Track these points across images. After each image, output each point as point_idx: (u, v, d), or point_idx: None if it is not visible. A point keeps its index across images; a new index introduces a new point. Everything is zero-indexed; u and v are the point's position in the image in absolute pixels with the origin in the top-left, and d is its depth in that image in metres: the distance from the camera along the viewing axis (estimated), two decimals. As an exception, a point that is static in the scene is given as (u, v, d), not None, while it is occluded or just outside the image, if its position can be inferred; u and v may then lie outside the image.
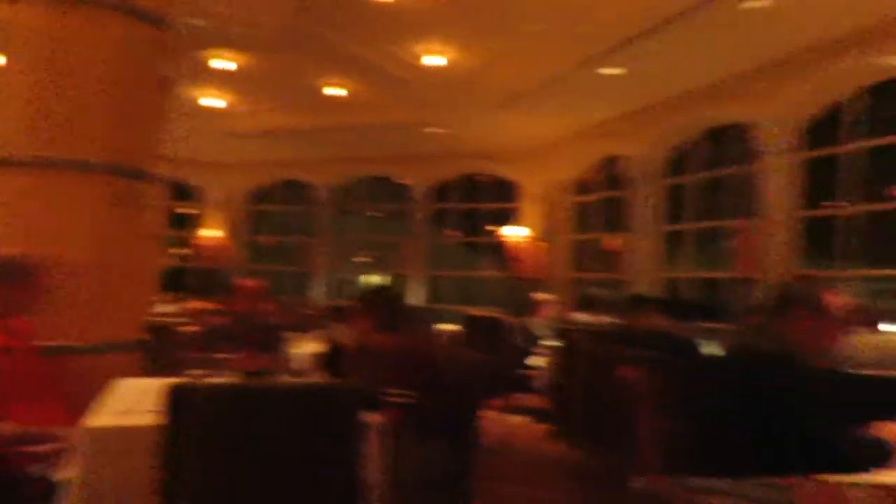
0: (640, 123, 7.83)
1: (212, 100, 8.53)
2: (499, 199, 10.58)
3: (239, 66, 7.34)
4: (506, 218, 10.21)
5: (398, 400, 2.40)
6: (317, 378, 3.26)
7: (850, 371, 2.69)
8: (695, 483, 0.97)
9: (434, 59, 6.82)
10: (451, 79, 7.23)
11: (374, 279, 11.77)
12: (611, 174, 8.87)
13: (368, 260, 12.16)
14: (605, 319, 5.13)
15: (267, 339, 3.84)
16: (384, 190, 11.63)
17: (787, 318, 2.05)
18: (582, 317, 5.66)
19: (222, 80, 7.80)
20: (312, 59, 7.13)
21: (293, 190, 11.89)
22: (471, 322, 6.65)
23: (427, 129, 9.11)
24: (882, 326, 4.02)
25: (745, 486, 0.96)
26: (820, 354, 2.14)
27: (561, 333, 4.94)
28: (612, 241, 8.41)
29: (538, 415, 5.05)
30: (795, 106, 6.11)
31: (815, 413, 1.89)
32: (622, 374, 2.39)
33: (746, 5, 5.01)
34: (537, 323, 6.01)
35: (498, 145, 9.53)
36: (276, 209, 12.19)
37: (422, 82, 7.43)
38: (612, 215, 8.71)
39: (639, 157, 8.07)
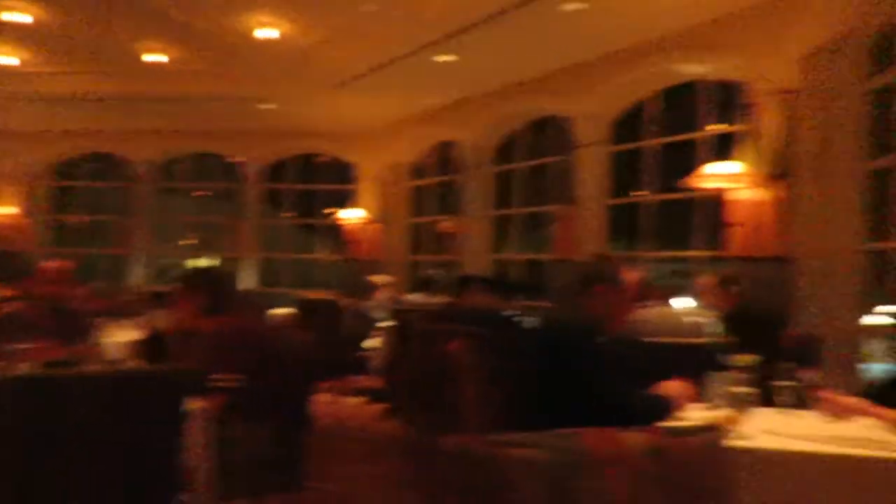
0: (471, 111, 8.17)
1: (2, 57, 7.46)
2: (336, 180, 10.47)
3: (36, 20, 6.49)
4: (343, 200, 10.15)
5: (225, 384, 2.33)
6: (131, 365, 3.04)
7: (643, 338, 3.09)
8: (498, 438, 1.07)
9: (266, 32, 6.55)
10: (285, 54, 7.00)
11: (202, 262, 11.10)
12: (445, 159, 9.17)
13: (195, 242, 11.43)
14: (437, 299, 5.33)
15: (72, 327, 3.50)
16: (213, 168, 10.98)
17: (589, 293, 2.29)
18: (415, 297, 5.84)
19: (15, 34, 6.85)
20: (128, 20, 6.51)
21: (106, 164, 10.80)
22: (305, 305, 6.56)
23: (261, 105, 8.74)
24: (673, 301, 4.63)
25: (541, 437, 1.09)
26: (616, 324, 2.42)
27: (395, 314, 5.06)
28: (447, 224, 8.72)
29: (373, 395, 5.15)
30: (605, 103, 6.76)
31: (609, 375, 2.16)
32: (447, 348, 2.53)
33: (566, 7, 5.43)
34: (373, 305, 6.09)
35: (335, 126, 9.42)
36: (87, 185, 11.01)
37: (254, 55, 7.11)
38: (447, 199, 9.03)
39: (470, 144, 8.43)
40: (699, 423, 1.68)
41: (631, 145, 6.86)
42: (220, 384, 2.33)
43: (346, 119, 9.06)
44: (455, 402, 2.38)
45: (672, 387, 2.30)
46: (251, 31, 6.51)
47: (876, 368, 4.38)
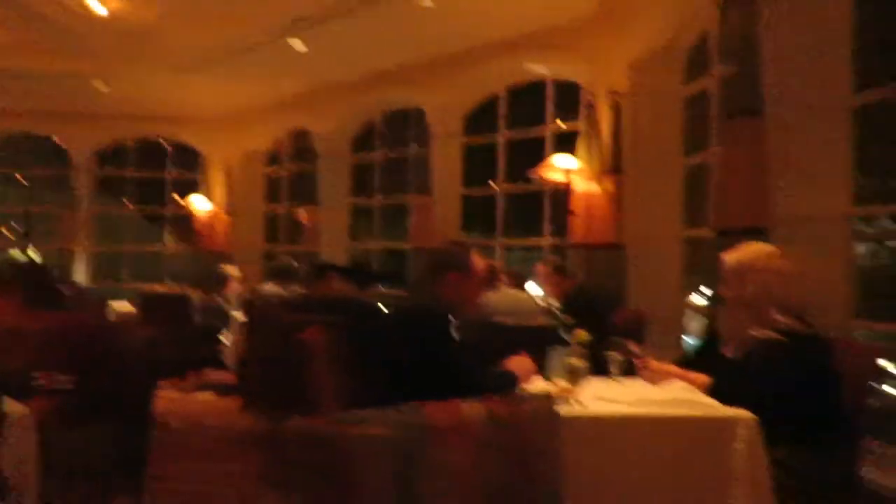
0: (327, 100, 8.07)
1: None
2: (183, 167, 9.85)
3: None
4: (190, 188, 9.57)
5: (52, 385, 2.15)
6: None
7: (492, 320, 3.27)
8: (341, 417, 1.11)
9: (96, 6, 6.00)
10: (123, 32, 6.46)
11: (18, 255, 9.94)
12: (301, 147, 8.97)
13: (20, 232, 10.20)
14: (293, 290, 5.24)
15: None
16: (43, 151, 9.86)
17: (441, 280, 2.39)
18: (270, 288, 5.68)
19: None
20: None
21: None
22: (149, 299, 6.15)
23: (96, 85, 7.99)
24: (527, 286, 4.91)
25: (384, 413, 1.14)
26: (467, 308, 2.55)
27: (248, 306, 4.90)
28: (303, 214, 8.55)
29: (226, 390, 4.97)
30: (459, 97, 6.99)
31: (460, 355, 2.27)
32: (301, 337, 2.52)
33: (419, 3, 5.52)
34: (226, 297, 5.84)
35: (181, 110, 8.86)
36: None
37: (88, 31, 6.48)
38: (303, 188, 8.84)
39: (326, 133, 8.32)
40: (535, 392, 1.83)
41: (483, 138, 7.15)
42: (49, 385, 2.14)
43: (192, 103, 8.55)
44: (309, 390, 2.38)
45: (517, 363, 2.47)
46: (81, 4, 5.93)
47: (692, 341, 4.95)
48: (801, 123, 3.38)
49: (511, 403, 1.24)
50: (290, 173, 9.22)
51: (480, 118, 7.20)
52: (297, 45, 6.46)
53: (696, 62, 4.85)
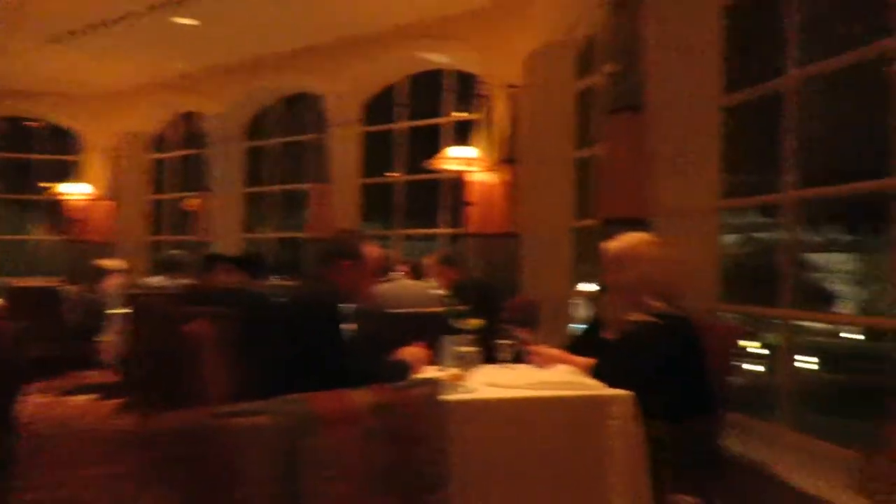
0: (219, 82, 7.71)
1: None
2: (55, 150, 9.09)
3: None
4: (64, 173, 8.85)
5: None
6: None
7: (386, 309, 3.28)
8: (222, 410, 1.08)
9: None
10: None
11: None
12: (190, 131, 8.53)
13: None
14: (181, 282, 4.99)
15: None
16: None
17: (333, 268, 2.36)
18: (156, 281, 5.38)
19: None
20: None
21: None
22: (15, 294, 5.63)
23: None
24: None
25: (268, 403, 1.12)
26: (360, 297, 2.54)
27: (131, 300, 4.62)
28: (193, 202, 8.14)
29: (106, 390, 4.66)
30: (357, 84, 6.90)
31: (352, 344, 2.26)
32: (187, 330, 2.41)
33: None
34: (105, 292, 5.47)
35: (51, 87, 8.15)
36: None
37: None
38: (192, 175, 8.42)
39: (218, 116, 7.96)
40: (421, 379, 1.86)
41: (382, 127, 7.11)
42: None
43: (66, 80, 7.89)
44: (196, 384, 2.29)
45: (410, 351, 2.49)
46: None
47: (579, 327, 5.20)
48: (678, 121, 3.62)
49: (397, 391, 1.25)
50: (178, 158, 8.74)
51: (379, 106, 7.16)
52: (183, 20, 6.12)
53: (588, 58, 5.05)
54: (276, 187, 8.04)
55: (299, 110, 7.75)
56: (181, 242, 8.39)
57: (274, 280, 5.83)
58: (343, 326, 2.22)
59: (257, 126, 8.18)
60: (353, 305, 2.47)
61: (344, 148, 6.95)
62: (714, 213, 3.64)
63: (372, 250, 2.52)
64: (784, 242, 3.17)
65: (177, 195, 8.69)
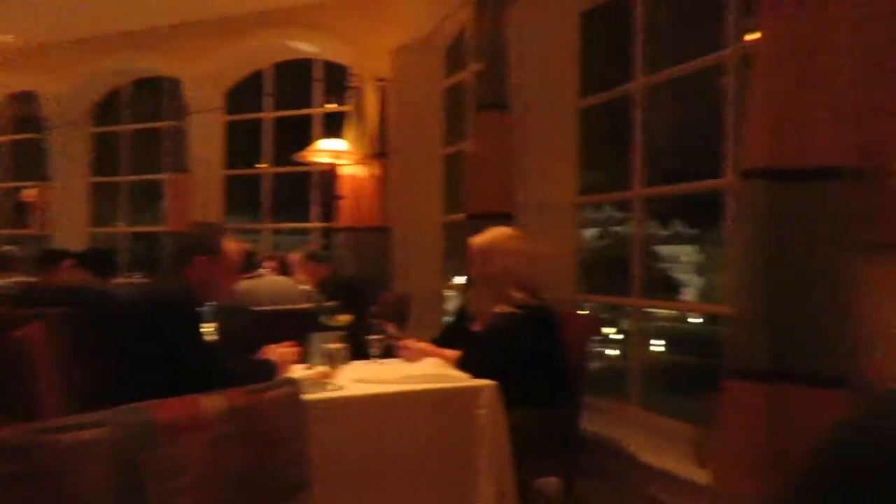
0: (60, 60, 6.97)
1: None
2: None
3: None
4: None
5: None
6: None
7: (250, 307, 3.14)
8: (51, 423, 0.97)
9: None
10: None
11: None
12: (25, 114, 7.65)
13: None
14: (14, 280, 4.47)
15: None
16: None
17: (189, 264, 2.22)
18: (-15, 280, 4.77)
19: None
20: None
21: None
22: None
23: None
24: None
25: (105, 414, 1.02)
26: (220, 294, 2.40)
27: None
28: (30, 193, 7.32)
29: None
30: (220, 69, 6.54)
31: (209, 344, 2.14)
32: (17, 335, 2.16)
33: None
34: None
35: None
36: None
37: None
38: (29, 162, 7.56)
39: (59, 98, 7.21)
40: (280, 379, 1.80)
41: (248, 115, 6.81)
42: None
43: None
44: (27, 397, 2.06)
45: (277, 350, 2.40)
46: None
47: (449, 320, 5.30)
48: (540, 120, 3.79)
49: (252, 392, 1.19)
50: (10, 143, 7.83)
51: (246, 94, 6.83)
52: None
53: (457, 55, 5.14)
54: (129, 177, 7.44)
55: (155, 94, 7.20)
56: (17, 237, 7.53)
57: (125, 278, 5.40)
58: (203, 326, 2.09)
59: (107, 109, 7.51)
60: (213, 303, 2.34)
61: (205, 136, 6.56)
62: (572, 208, 3.84)
63: (232, 245, 2.39)
64: (634, 236, 3.42)
65: (11, 185, 7.79)
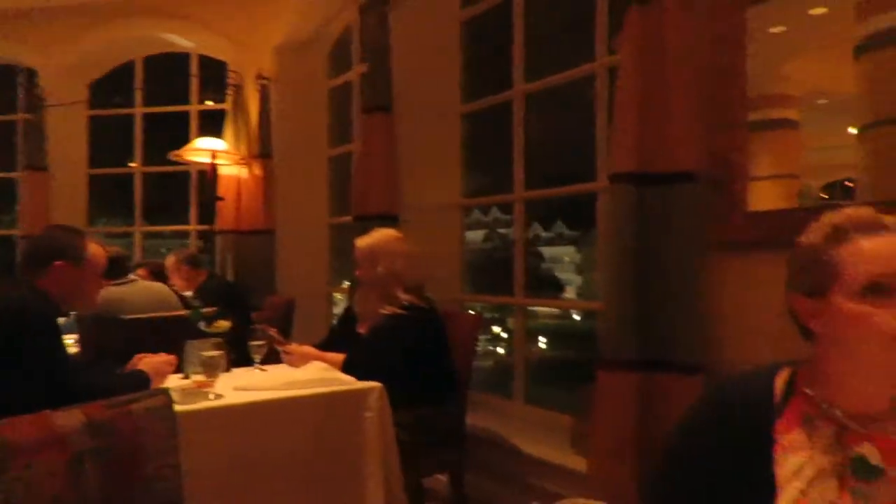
0: None
1: None
2: None
3: None
4: None
5: None
6: None
7: (120, 315, 2.93)
8: None
9: None
10: None
11: None
12: None
13: None
14: None
15: None
16: None
17: (45, 270, 2.04)
18: None
19: None
20: None
21: None
22: None
23: None
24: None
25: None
26: (82, 302, 2.23)
27: None
28: None
29: None
30: (83, 60, 6.05)
31: (64, 356, 1.98)
32: None
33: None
34: None
35: None
36: None
37: None
38: None
39: None
40: (149, 391, 1.71)
41: (117, 111, 6.36)
42: None
43: None
44: None
45: (149, 361, 2.27)
46: None
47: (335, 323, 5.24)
48: (424, 123, 3.84)
49: (115, 406, 1.12)
50: None
51: (113, 88, 6.37)
52: None
53: (343, 56, 5.08)
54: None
55: (8, 84, 6.54)
56: None
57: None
58: (54, 337, 1.92)
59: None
60: (74, 312, 2.17)
61: (66, 132, 6.05)
62: (458, 210, 3.92)
63: (95, 249, 2.23)
64: (516, 237, 3.55)
65: None
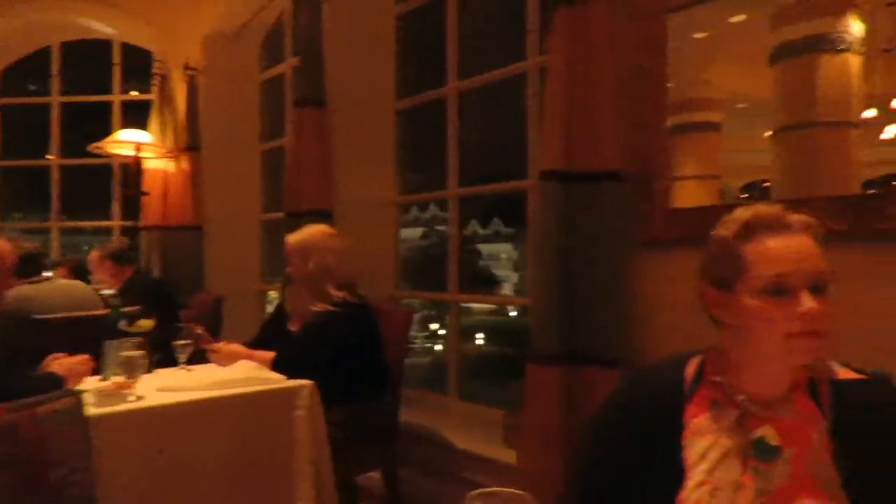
0: None
1: None
2: None
3: None
4: None
5: None
6: None
7: (31, 315, 2.78)
8: None
9: None
10: None
11: None
12: None
13: None
14: None
15: None
16: None
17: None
18: None
19: None
20: None
21: None
22: None
23: None
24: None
25: None
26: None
27: None
28: None
29: None
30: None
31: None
32: None
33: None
34: None
35: None
36: None
37: None
38: None
39: None
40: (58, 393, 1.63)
41: (32, 100, 6.00)
42: None
43: None
44: None
45: (63, 362, 2.16)
46: None
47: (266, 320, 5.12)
48: (358, 118, 3.80)
49: (17, 409, 1.06)
50: None
51: (26, 75, 6.01)
52: None
53: (275, 48, 4.97)
54: None
55: None
56: None
57: None
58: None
59: None
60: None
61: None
62: (392, 206, 3.91)
63: (3, 245, 2.10)
64: (451, 234, 3.56)
65: None
